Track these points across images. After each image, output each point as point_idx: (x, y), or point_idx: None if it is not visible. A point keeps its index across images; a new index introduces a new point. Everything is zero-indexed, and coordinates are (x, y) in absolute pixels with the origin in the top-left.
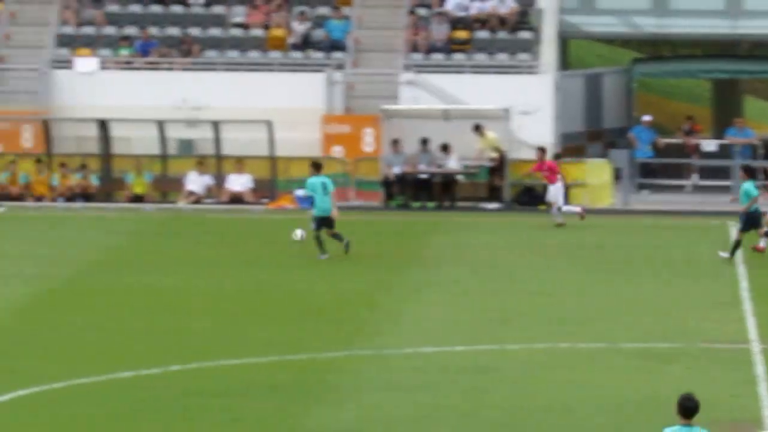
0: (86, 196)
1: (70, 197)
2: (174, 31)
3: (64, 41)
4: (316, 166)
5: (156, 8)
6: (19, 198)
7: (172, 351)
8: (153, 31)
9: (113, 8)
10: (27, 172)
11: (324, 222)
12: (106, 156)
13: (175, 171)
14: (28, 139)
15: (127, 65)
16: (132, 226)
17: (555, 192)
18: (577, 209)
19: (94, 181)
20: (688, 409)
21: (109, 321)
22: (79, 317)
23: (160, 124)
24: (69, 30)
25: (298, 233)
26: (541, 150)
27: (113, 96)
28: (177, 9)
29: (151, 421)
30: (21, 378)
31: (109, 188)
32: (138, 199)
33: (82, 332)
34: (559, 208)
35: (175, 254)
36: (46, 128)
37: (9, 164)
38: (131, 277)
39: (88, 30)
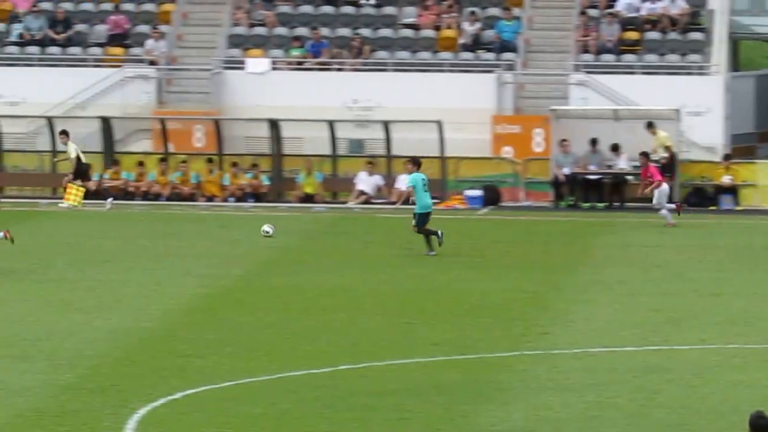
0: (257, 195)
1: (241, 197)
2: (345, 31)
3: (236, 42)
4: (416, 163)
5: (327, 9)
6: (190, 197)
7: (342, 350)
8: (324, 31)
9: (284, 9)
10: (198, 171)
11: (426, 218)
12: (277, 156)
13: (345, 171)
14: (199, 139)
15: (298, 66)
16: (302, 226)
17: (660, 193)
18: (671, 220)
19: (264, 180)
20: (760, 427)
21: (279, 320)
22: (249, 316)
23: (331, 125)
24: (240, 31)
25: (267, 230)
26: (645, 155)
27: (284, 96)
28: (348, 9)
29: (319, 420)
30: (192, 377)
31: (280, 188)
32: (308, 198)
33: (253, 331)
34: (659, 207)
35: (345, 254)
36: (217, 128)
37: (181, 164)
38: (302, 276)
39: (260, 31)
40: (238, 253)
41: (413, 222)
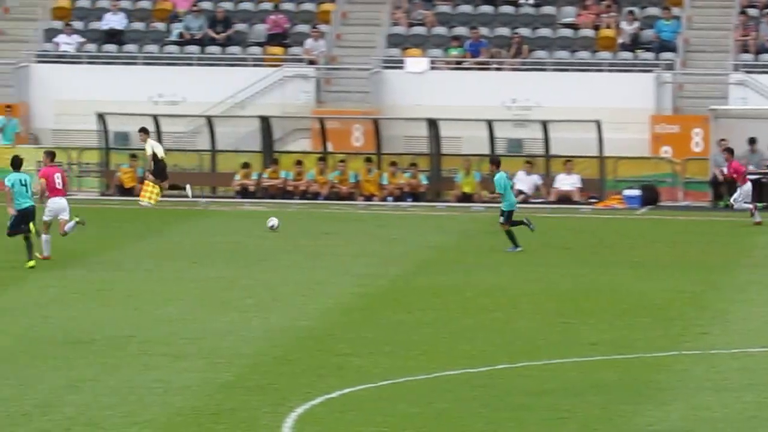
0: (415, 195)
1: (399, 196)
2: (504, 31)
3: (395, 41)
4: (497, 162)
5: (486, 8)
6: (348, 197)
7: (499, 349)
8: (483, 31)
9: (444, 8)
10: (357, 171)
11: (510, 215)
12: (436, 155)
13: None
14: (358, 138)
15: (457, 65)
16: (461, 226)
17: (743, 192)
18: (758, 218)
19: (423, 180)
20: None
21: (437, 319)
22: (407, 315)
23: (489, 124)
24: (400, 30)
25: (272, 223)
26: (729, 151)
27: (443, 96)
28: (507, 9)
29: (476, 419)
30: (349, 375)
31: (438, 187)
32: (466, 198)
33: (411, 330)
34: (733, 204)
35: (503, 253)
36: (376, 128)
37: (339, 163)
38: (459, 275)
39: (419, 30)
40: (397, 252)
41: (502, 219)
